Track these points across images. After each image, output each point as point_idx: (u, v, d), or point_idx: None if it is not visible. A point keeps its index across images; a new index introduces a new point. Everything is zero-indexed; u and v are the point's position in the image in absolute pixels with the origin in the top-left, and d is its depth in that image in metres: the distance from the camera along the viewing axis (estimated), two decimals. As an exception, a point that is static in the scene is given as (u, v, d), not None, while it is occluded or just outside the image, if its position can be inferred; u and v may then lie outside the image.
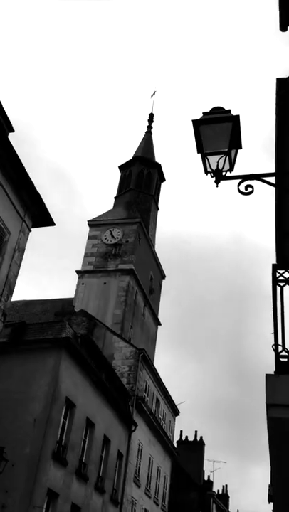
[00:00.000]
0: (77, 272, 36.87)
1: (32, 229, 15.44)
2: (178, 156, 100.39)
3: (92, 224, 39.36)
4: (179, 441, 40.13)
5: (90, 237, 38.66)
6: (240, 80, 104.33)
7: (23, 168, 13.82)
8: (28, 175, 14.02)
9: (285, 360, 4.60)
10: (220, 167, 5.58)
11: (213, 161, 5.61)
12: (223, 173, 5.61)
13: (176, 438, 39.59)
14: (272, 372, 4.50)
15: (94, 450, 20.66)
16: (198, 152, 5.68)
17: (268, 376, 4.35)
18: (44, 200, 14.83)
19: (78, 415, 19.29)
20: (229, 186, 5.67)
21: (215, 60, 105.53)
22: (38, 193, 14.60)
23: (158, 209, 44.53)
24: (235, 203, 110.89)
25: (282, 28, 8.60)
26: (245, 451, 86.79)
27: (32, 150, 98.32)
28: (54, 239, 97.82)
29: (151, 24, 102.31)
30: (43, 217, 15.48)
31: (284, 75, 8.60)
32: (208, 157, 5.64)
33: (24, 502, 15.54)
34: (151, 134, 48.13)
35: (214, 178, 5.61)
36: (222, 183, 5.68)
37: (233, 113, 5.68)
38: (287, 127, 8.75)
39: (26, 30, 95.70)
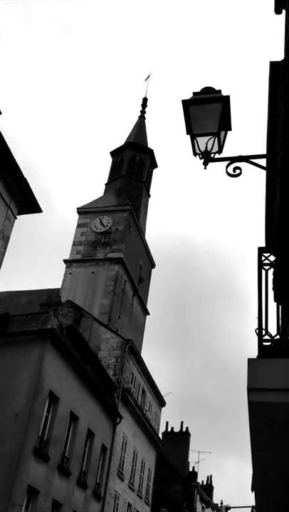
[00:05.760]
0: (65, 261, 35.99)
1: (18, 216, 14.69)
2: (171, 141, 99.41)
3: (82, 211, 38.42)
4: (165, 433, 39.89)
5: (78, 225, 37.75)
6: (235, 64, 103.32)
7: (9, 151, 12.96)
8: (14, 159, 13.19)
9: (268, 344, 4.54)
10: (208, 149, 5.45)
11: (202, 142, 5.48)
12: (212, 155, 5.48)
13: (162, 429, 39.33)
14: (255, 357, 4.42)
15: (77, 444, 20.15)
16: (187, 133, 5.55)
17: (250, 361, 4.24)
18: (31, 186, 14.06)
19: (62, 409, 18.73)
20: (222, 171, 5.49)
21: (210, 43, 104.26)
22: (24, 178, 13.82)
23: (149, 196, 43.69)
24: (224, 198, 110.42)
25: (277, 11, 8.16)
26: (232, 442, 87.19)
27: (20, 134, 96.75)
28: (42, 227, 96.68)
29: (144, 6, 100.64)
30: (29, 204, 14.71)
31: (278, 59, 8.43)
32: (197, 138, 5.50)
33: (3, 500, 14.99)
34: (144, 118, 47.05)
35: (202, 160, 5.49)
36: (212, 168, 5.67)
37: (224, 94, 5.53)
38: (278, 110, 8.36)
39: (5, 15, 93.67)
